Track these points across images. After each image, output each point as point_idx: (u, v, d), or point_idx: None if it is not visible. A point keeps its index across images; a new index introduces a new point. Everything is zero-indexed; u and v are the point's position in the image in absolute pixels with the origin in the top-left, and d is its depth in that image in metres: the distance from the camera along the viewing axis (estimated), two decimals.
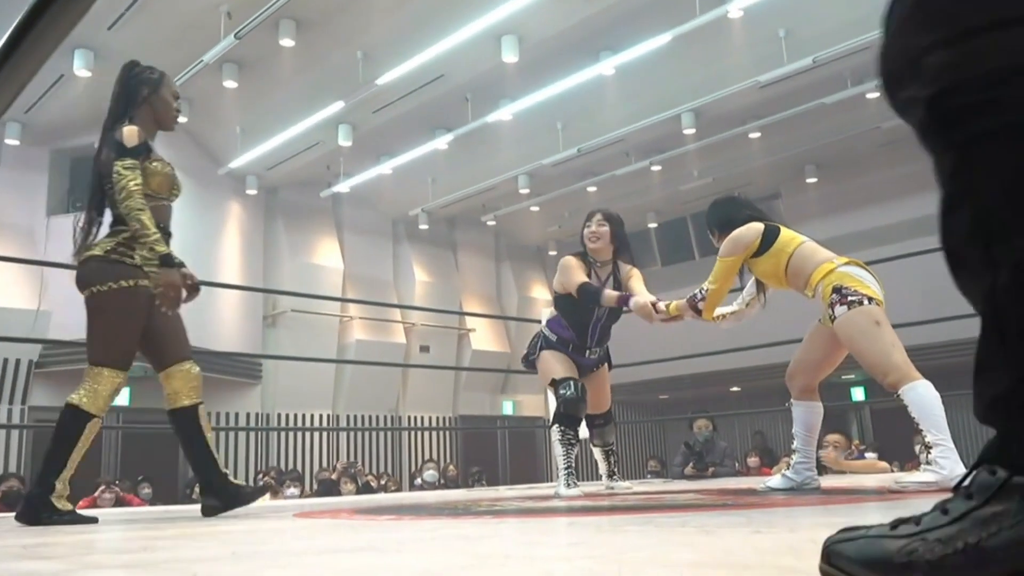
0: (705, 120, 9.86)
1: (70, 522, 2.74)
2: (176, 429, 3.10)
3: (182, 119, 10.35)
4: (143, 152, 2.94)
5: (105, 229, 3.04)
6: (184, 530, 2.46)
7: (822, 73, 8.72)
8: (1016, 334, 0.72)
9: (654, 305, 3.59)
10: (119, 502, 6.90)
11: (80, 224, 3.02)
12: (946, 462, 2.71)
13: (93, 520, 2.86)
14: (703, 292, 3.33)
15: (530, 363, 4.10)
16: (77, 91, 9.12)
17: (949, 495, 0.79)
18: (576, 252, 4.01)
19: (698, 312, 3.38)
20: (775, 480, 3.30)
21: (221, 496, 3.03)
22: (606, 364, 4.14)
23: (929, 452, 2.91)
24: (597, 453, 4.32)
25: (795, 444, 3.27)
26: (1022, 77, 0.71)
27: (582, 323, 3.88)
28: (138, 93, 3.06)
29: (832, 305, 2.96)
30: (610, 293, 3.68)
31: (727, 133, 10.14)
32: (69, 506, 2.82)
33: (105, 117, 3.08)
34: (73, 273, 3.01)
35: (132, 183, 2.85)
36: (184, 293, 3.04)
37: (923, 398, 2.81)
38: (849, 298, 2.92)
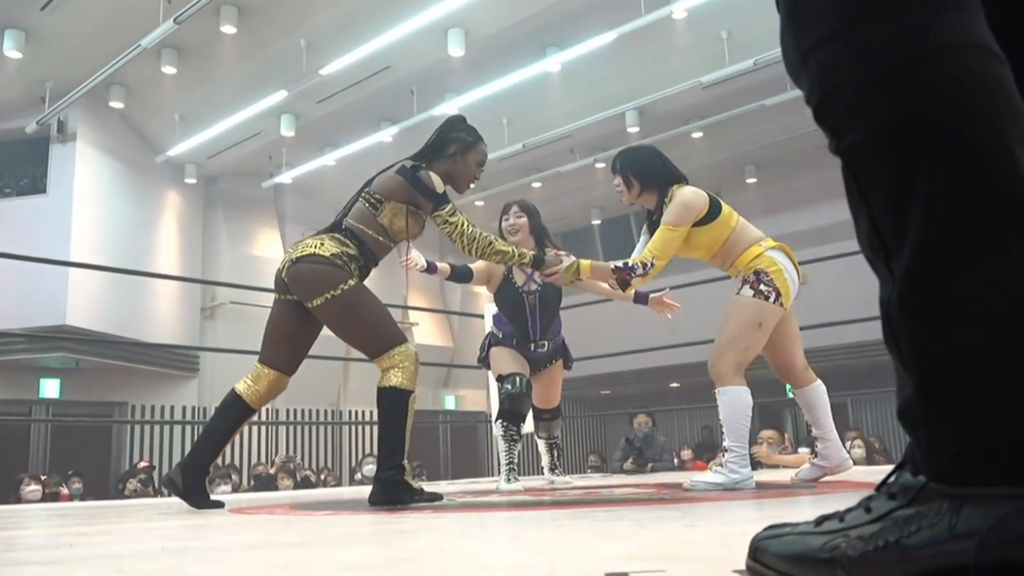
0: (649, 119, 9.97)
1: (429, 499, 2.78)
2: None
3: (118, 104, 10.09)
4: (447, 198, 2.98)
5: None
6: (113, 525, 2.40)
7: (763, 75, 8.88)
8: (908, 348, 0.73)
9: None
10: (49, 497, 6.70)
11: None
12: (736, 467, 2.83)
13: (438, 497, 2.86)
14: (646, 267, 2.96)
15: (484, 362, 4.11)
16: (7, 72, 8.81)
17: (871, 492, 0.80)
18: None
19: (624, 285, 3.03)
20: (806, 471, 3.25)
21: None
22: (561, 360, 4.12)
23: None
24: (541, 445, 4.34)
25: (814, 431, 3.23)
26: (893, 76, 0.71)
27: (517, 315, 3.90)
28: (447, 147, 3.10)
29: (745, 282, 2.98)
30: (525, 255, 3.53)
31: (670, 132, 10.26)
32: (420, 485, 2.88)
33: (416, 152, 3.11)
34: None
35: (467, 226, 2.97)
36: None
37: (732, 404, 2.89)
38: (761, 287, 2.94)
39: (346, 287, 2.84)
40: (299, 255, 2.91)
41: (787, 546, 0.80)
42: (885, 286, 0.75)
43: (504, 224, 3.95)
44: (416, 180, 2.94)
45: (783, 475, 4.52)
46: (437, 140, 3.11)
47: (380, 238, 2.99)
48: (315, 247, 2.89)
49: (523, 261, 3.01)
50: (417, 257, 3.75)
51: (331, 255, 2.87)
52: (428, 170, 2.98)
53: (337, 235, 2.97)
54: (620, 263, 3.00)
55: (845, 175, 0.77)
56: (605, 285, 3.87)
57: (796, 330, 3.17)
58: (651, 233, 3.19)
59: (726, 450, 2.91)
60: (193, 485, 3.04)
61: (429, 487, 3.32)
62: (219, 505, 3.07)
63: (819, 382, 3.21)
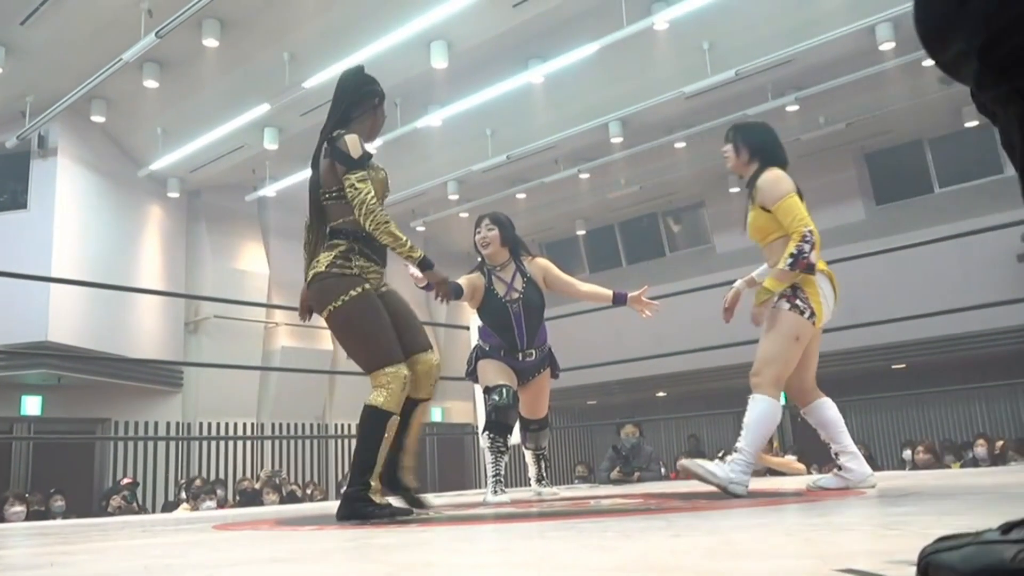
0: (632, 129, 10.02)
1: (389, 515, 2.76)
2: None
3: (99, 119, 10.03)
4: (368, 161, 2.93)
5: None
6: (96, 544, 2.38)
7: (744, 85, 8.95)
8: None
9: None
10: (33, 515, 6.62)
11: (304, 240, 3.06)
12: (737, 469, 2.90)
13: (405, 511, 2.88)
14: (805, 238, 2.94)
15: (471, 375, 4.09)
16: None
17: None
18: (476, 265, 4.04)
19: (811, 269, 3.01)
20: (827, 479, 3.26)
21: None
22: (548, 370, 4.10)
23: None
24: (528, 456, 4.33)
25: (833, 447, 3.23)
26: None
27: (502, 325, 3.89)
28: (368, 102, 3.09)
29: (782, 296, 3.05)
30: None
31: (654, 142, 10.31)
32: (384, 500, 2.85)
33: (325, 122, 3.07)
34: None
35: (369, 196, 2.87)
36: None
37: (761, 412, 2.97)
38: (797, 301, 3.02)
39: (347, 298, 2.85)
40: (308, 281, 2.98)
41: (970, 559, 0.71)
42: None
43: (476, 237, 3.97)
44: (335, 151, 2.93)
45: (769, 483, 4.53)
46: (354, 98, 3.08)
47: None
48: (316, 267, 2.93)
49: (411, 254, 2.90)
50: (415, 272, 3.72)
51: (326, 267, 2.89)
52: (348, 133, 2.95)
53: (329, 243, 2.96)
54: (789, 259, 2.96)
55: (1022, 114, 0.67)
56: (586, 288, 4.01)
57: (816, 352, 3.25)
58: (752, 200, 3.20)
59: (736, 450, 2.96)
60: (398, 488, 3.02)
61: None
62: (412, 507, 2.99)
63: (827, 398, 3.25)
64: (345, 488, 2.90)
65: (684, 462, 3.09)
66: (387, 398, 2.86)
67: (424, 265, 2.95)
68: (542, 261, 4.07)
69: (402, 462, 3.04)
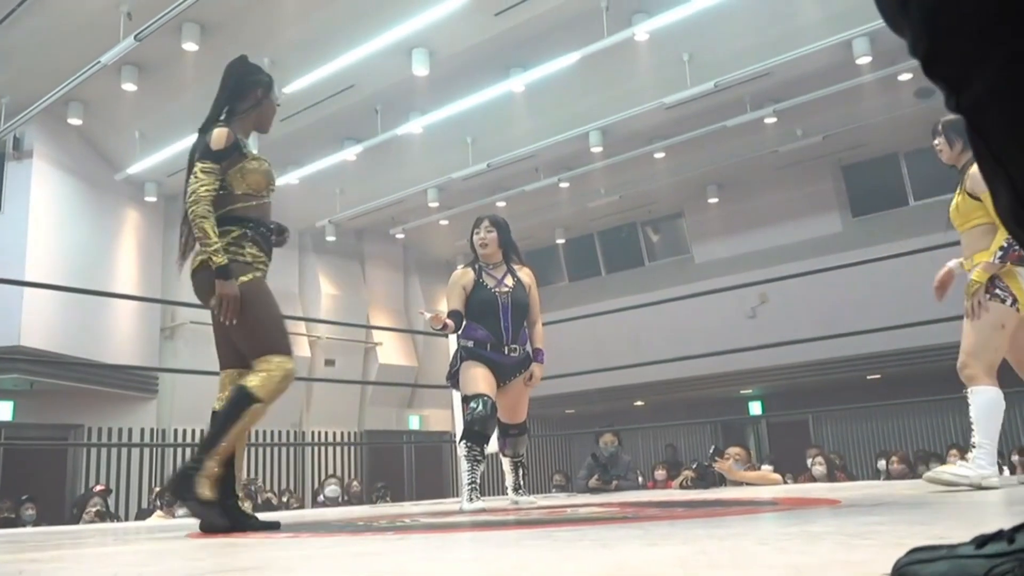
0: (612, 139, 10.06)
1: (200, 507, 2.71)
2: None
3: (76, 121, 9.94)
4: (231, 155, 2.89)
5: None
6: (67, 552, 2.35)
7: (723, 97, 9.02)
8: None
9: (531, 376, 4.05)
10: (3, 523, 6.52)
11: (182, 229, 3.04)
12: (983, 463, 3.00)
13: (211, 505, 2.76)
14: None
15: (453, 378, 4.09)
16: None
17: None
18: (469, 261, 4.16)
19: (1022, 260, 3.15)
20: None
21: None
22: (528, 375, 4.09)
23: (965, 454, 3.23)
24: (506, 464, 4.33)
25: None
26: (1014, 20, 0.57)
27: (490, 315, 3.95)
28: (252, 93, 3.03)
29: (988, 285, 3.18)
30: (435, 317, 3.79)
31: (633, 152, 10.36)
32: (208, 496, 2.73)
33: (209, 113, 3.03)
34: None
35: (203, 187, 2.84)
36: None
37: (983, 403, 3.09)
38: (997, 291, 3.16)
39: (236, 283, 2.82)
40: (192, 269, 2.95)
41: (942, 573, 0.70)
42: None
43: (475, 237, 4.10)
44: (198, 142, 2.94)
45: (743, 492, 4.55)
46: (237, 89, 3.04)
47: (253, 203, 2.97)
48: (201, 256, 2.91)
49: (214, 257, 2.82)
50: (427, 314, 3.80)
51: None
52: (221, 128, 2.93)
53: (221, 230, 2.92)
54: (999, 252, 3.11)
55: (972, 137, 0.65)
56: (536, 327, 4.17)
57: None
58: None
59: (974, 446, 3.06)
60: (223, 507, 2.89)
61: (391, 509, 3.29)
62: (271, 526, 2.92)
63: None
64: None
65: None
66: (260, 383, 2.79)
67: (222, 274, 2.82)
68: (531, 273, 4.20)
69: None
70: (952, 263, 3.51)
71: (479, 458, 3.79)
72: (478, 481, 3.79)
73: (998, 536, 0.69)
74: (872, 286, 9.57)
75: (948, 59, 0.62)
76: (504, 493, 4.64)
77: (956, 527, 1.72)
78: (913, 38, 0.65)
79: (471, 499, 3.72)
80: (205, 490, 2.72)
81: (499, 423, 4.08)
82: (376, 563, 1.56)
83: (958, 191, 3.36)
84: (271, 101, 3.11)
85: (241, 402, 2.79)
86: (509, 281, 4.03)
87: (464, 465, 3.81)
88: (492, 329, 3.94)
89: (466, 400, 3.89)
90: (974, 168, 3.23)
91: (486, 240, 4.06)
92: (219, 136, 2.89)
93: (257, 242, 2.95)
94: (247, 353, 2.87)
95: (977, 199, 3.21)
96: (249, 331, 2.86)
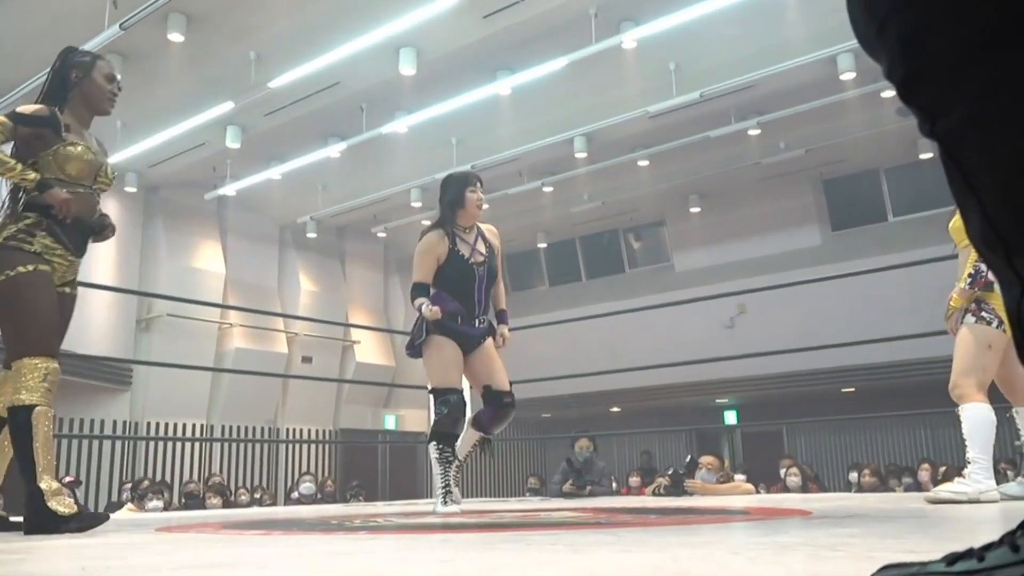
0: (596, 145, 10.09)
1: (78, 527, 2.63)
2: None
3: None
4: (37, 127, 2.79)
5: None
6: (34, 543, 2.32)
7: (708, 107, 9.08)
8: None
9: (503, 337, 3.88)
10: None
11: None
12: (979, 478, 3.10)
13: (92, 519, 2.75)
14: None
15: (416, 349, 3.80)
16: None
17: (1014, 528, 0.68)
18: (436, 224, 3.85)
19: (989, 287, 3.24)
20: (1011, 487, 3.37)
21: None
22: (491, 338, 3.88)
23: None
24: (470, 438, 3.98)
25: None
26: (1001, 39, 0.57)
27: (465, 289, 3.74)
28: (68, 77, 2.94)
29: (967, 311, 3.32)
30: (431, 311, 3.55)
31: (617, 159, 10.40)
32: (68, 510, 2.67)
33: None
34: None
35: None
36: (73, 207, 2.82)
37: (973, 418, 3.19)
38: (983, 313, 3.27)
39: (13, 273, 2.68)
40: None
41: None
42: (1011, 289, 0.64)
43: (471, 195, 3.78)
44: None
45: (716, 500, 4.58)
46: (56, 78, 2.97)
47: (66, 191, 2.83)
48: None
49: (23, 176, 2.72)
50: (427, 311, 3.60)
51: (4, 239, 2.73)
52: (45, 104, 2.87)
53: (19, 214, 2.79)
54: (968, 279, 3.28)
55: (945, 161, 0.65)
56: (501, 294, 4.02)
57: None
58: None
59: (970, 461, 3.16)
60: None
61: (364, 508, 3.26)
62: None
63: None
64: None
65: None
66: (26, 392, 2.69)
67: (42, 186, 2.74)
68: (494, 229, 3.96)
69: None
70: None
71: (451, 459, 3.70)
72: (451, 482, 3.72)
73: (968, 554, 0.68)
74: (850, 300, 9.66)
75: (925, 86, 0.63)
76: (479, 496, 4.60)
77: (925, 541, 1.74)
78: (889, 63, 0.65)
79: (445, 502, 3.66)
80: (62, 508, 2.64)
81: (489, 392, 3.84)
82: (349, 563, 1.55)
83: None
84: (93, 80, 2.98)
85: (19, 419, 2.69)
86: (482, 247, 3.80)
87: (436, 468, 3.72)
88: (466, 302, 3.73)
89: (434, 393, 3.77)
90: None
91: (484, 202, 3.84)
92: (31, 106, 2.82)
93: (56, 233, 2.80)
94: (6, 352, 2.75)
95: None
96: (9, 329, 2.74)
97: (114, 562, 1.67)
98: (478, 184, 3.89)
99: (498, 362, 3.88)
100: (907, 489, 7.88)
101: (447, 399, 3.67)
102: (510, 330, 4.02)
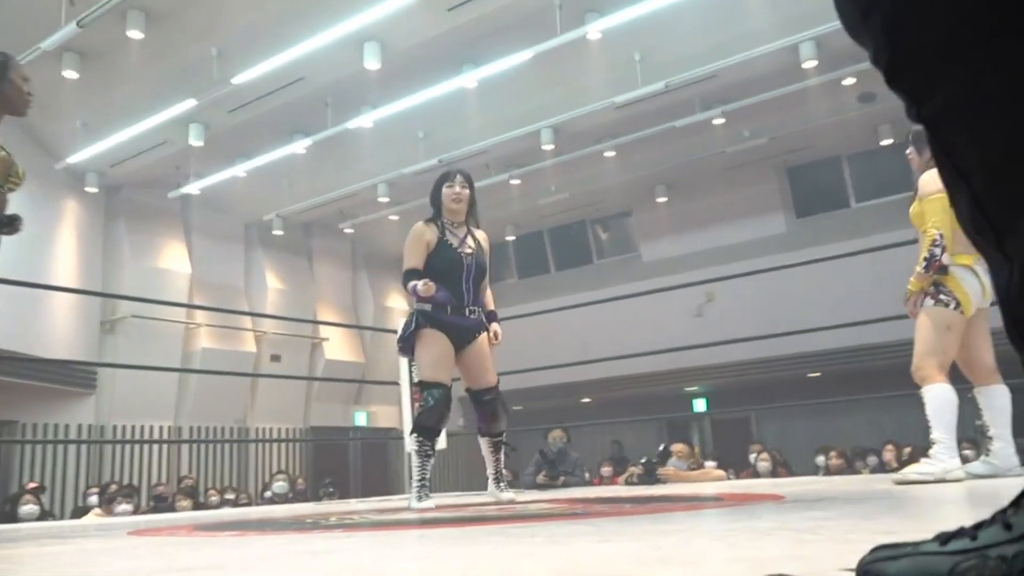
0: (563, 136, 10.10)
1: None
2: None
3: None
4: None
5: None
6: (5, 551, 2.28)
7: (673, 97, 9.13)
8: None
9: (495, 334, 3.90)
10: None
11: None
12: (944, 458, 3.17)
13: None
14: (935, 243, 3.29)
15: (407, 345, 3.83)
16: None
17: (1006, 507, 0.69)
18: (430, 217, 3.94)
19: (943, 270, 3.33)
20: (976, 466, 3.42)
21: None
22: (485, 335, 3.93)
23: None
24: (484, 447, 4.07)
25: (991, 431, 3.41)
26: (984, 23, 0.57)
27: (453, 277, 3.79)
28: None
29: (926, 294, 3.39)
30: (425, 285, 3.60)
31: (584, 150, 10.43)
32: None
33: None
34: None
35: None
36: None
37: (936, 399, 3.26)
38: (940, 296, 3.35)
39: None
40: None
41: (907, 570, 0.69)
42: (1001, 271, 0.63)
43: (448, 191, 3.88)
44: None
45: (688, 488, 4.62)
46: None
47: None
48: None
49: None
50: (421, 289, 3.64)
51: None
52: None
53: None
54: (923, 263, 3.34)
55: (933, 146, 0.66)
56: (488, 294, 4.06)
57: (984, 332, 3.47)
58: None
59: (934, 442, 3.22)
60: None
61: (338, 506, 3.25)
62: None
63: (1003, 385, 3.46)
64: None
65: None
66: None
67: None
68: (485, 235, 4.07)
69: None
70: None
71: (429, 453, 3.71)
72: (428, 477, 3.73)
73: (960, 533, 0.69)
74: (814, 286, 9.78)
75: (911, 71, 0.63)
76: (456, 489, 4.60)
77: (898, 521, 1.77)
78: (875, 49, 0.65)
79: (419, 497, 3.66)
80: None
81: (469, 393, 3.94)
82: (327, 561, 1.55)
83: (916, 196, 3.52)
84: (11, 81, 2.98)
85: None
86: (471, 242, 3.90)
87: (415, 460, 3.73)
88: (454, 291, 3.78)
89: (421, 386, 3.78)
90: (925, 174, 3.43)
91: (461, 196, 3.87)
92: None
93: None
94: None
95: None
96: None
97: (89, 569, 1.65)
98: (456, 179, 3.94)
99: (487, 360, 3.93)
100: (873, 470, 8.02)
101: (432, 392, 3.70)
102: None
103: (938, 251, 3.30)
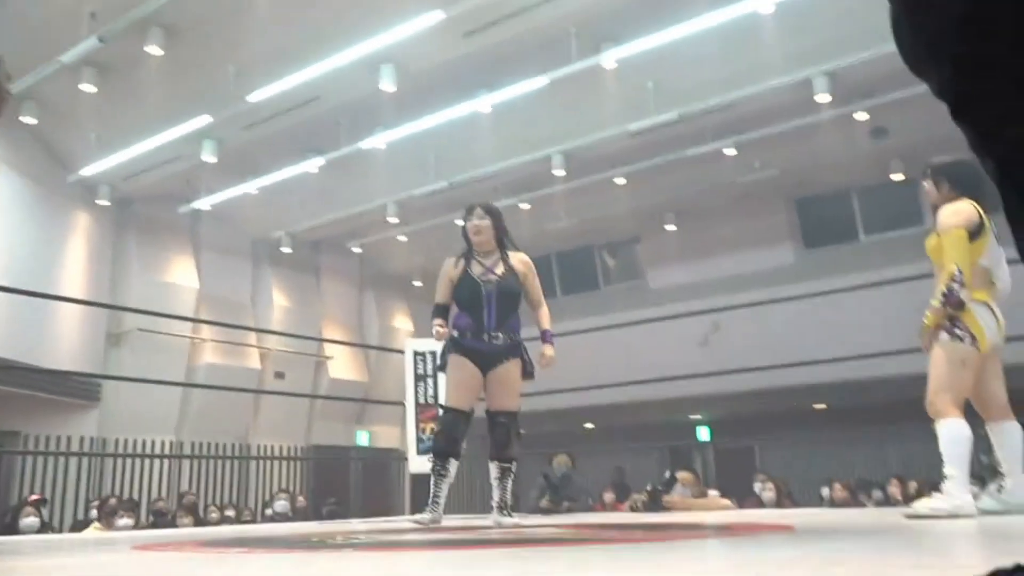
0: (574, 163, 10.14)
1: None
2: None
3: (30, 120, 9.64)
4: None
5: None
6: (17, 562, 2.27)
7: (686, 127, 9.17)
8: None
9: (542, 355, 3.98)
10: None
11: None
12: (956, 493, 3.15)
13: None
14: (953, 277, 3.28)
15: (441, 366, 4.08)
16: None
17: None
18: (461, 252, 4.11)
19: (960, 305, 3.32)
20: (987, 502, 3.39)
21: None
22: (517, 360, 3.98)
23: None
24: (493, 471, 4.13)
25: (1003, 467, 3.40)
26: None
27: (472, 304, 3.92)
28: None
29: (941, 328, 3.38)
30: (436, 332, 3.87)
31: (595, 177, 10.46)
32: None
33: None
34: None
35: None
36: None
37: (950, 434, 3.24)
38: (956, 331, 3.35)
39: None
40: None
41: None
42: None
43: (468, 225, 4.04)
44: None
45: (695, 516, 4.59)
46: None
47: None
48: None
49: None
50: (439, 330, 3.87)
51: None
52: None
53: None
54: (941, 298, 3.32)
55: (1001, 181, 0.64)
56: (541, 311, 4.18)
57: (998, 369, 3.47)
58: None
59: (947, 477, 3.20)
60: None
61: (344, 525, 3.24)
62: None
63: (1016, 422, 3.45)
64: None
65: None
66: None
67: None
68: (525, 258, 4.13)
69: None
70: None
71: (442, 473, 3.80)
72: (439, 496, 3.78)
73: (1019, 570, 0.67)
74: (821, 317, 9.76)
75: (980, 106, 0.62)
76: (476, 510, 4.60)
77: (918, 556, 1.76)
78: (940, 83, 0.65)
79: (428, 511, 3.75)
80: None
81: (487, 413, 4.04)
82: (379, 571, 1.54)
83: (935, 229, 3.51)
84: None
85: None
86: (499, 269, 3.99)
87: (432, 478, 3.85)
88: (475, 318, 3.91)
89: (441, 408, 3.95)
90: (945, 209, 3.43)
91: (479, 228, 4.00)
92: None
93: None
94: None
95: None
96: None
97: None
98: (475, 212, 4.09)
99: (505, 387, 3.99)
100: (878, 504, 7.96)
101: (443, 416, 3.89)
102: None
103: (956, 287, 3.29)
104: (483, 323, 3.90)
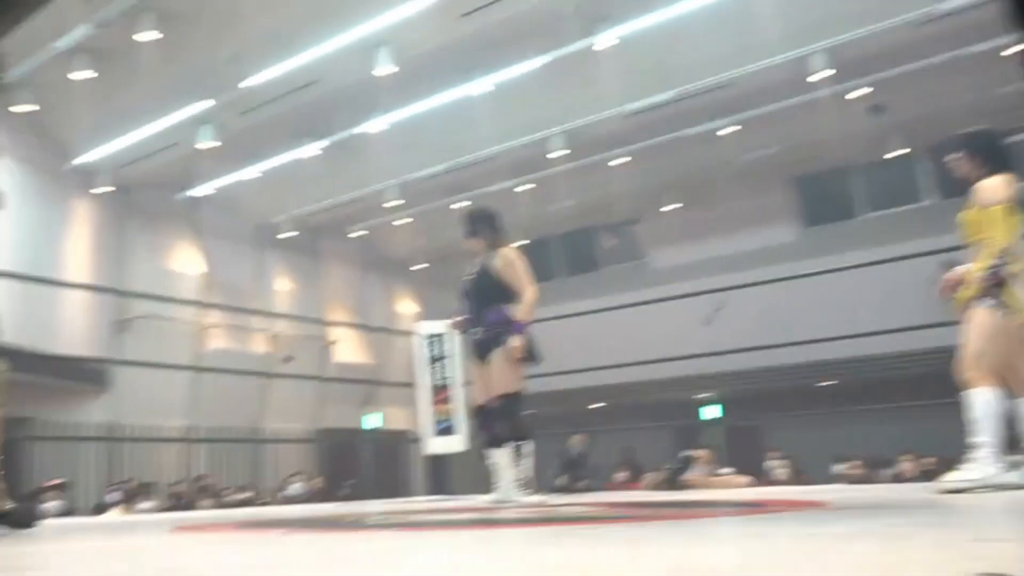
0: (574, 144, 10.14)
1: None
2: None
3: (28, 108, 9.49)
4: None
5: None
6: (69, 544, 2.31)
7: (684, 106, 9.18)
8: None
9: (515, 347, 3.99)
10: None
11: None
12: (988, 463, 3.14)
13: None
14: (1003, 259, 3.28)
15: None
16: None
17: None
18: None
19: (1003, 281, 3.30)
20: (1012, 476, 3.33)
21: None
22: (501, 350, 4.02)
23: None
24: (496, 455, 4.15)
25: None
26: None
27: (463, 304, 4.22)
28: None
29: (981, 296, 3.33)
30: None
31: (594, 157, 10.45)
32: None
33: None
34: None
35: None
36: None
37: (983, 404, 3.24)
38: (998, 301, 3.30)
39: None
40: None
41: None
42: None
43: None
44: None
45: (720, 494, 4.64)
46: None
47: None
48: None
49: None
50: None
51: None
52: None
53: None
54: (986, 272, 3.30)
55: None
56: (525, 297, 4.12)
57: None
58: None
59: (977, 446, 3.18)
60: None
61: (362, 506, 3.25)
62: None
63: None
64: None
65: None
66: None
67: None
68: (508, 253, 4.18)
69: None
70: (962, 268, 3.60)
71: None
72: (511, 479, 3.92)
73: None
74: (824, 295, 9.81)
75: None
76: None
77: (979, 527, 1.80)
78: None
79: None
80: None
81: (478, 408, 4.24)
82: (416, 559, 1.56)
83: (971, 204, 3.47)
84: None
85: None
86: (476, 268, 4.19)
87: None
88: (468, 314, 4.19)
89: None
90: (983, 183, 3.39)
91: (466, 245, 4.29)
92: None
93: None
94: None
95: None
96: None
97: (169, 563, 1.67)
98: (464, 229, 4.30)
99: (488, 377, 4.11)
100: (890, 480, 8.02)
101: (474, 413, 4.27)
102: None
103: (1000, 264, 3.29)
104: (471, 319, 4.17)
